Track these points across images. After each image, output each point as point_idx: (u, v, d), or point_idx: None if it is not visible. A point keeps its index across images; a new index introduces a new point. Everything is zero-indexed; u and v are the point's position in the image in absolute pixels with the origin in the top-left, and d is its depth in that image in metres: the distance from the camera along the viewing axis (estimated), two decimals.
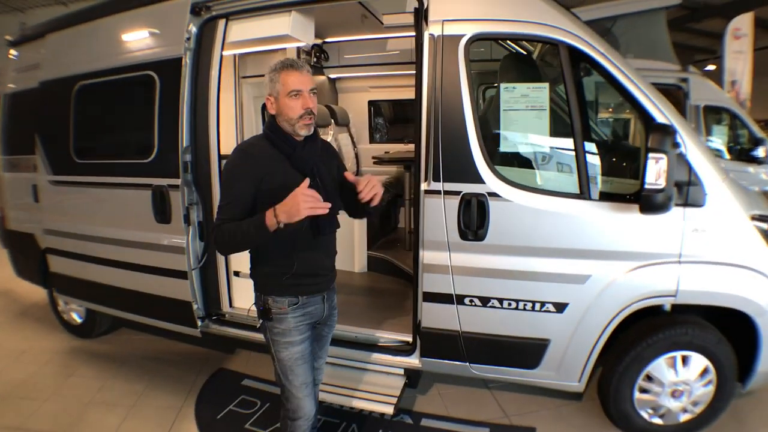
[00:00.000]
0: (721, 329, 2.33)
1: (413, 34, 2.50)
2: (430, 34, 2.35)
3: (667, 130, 1.95)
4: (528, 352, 2.43)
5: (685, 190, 2.14)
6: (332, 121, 5.22)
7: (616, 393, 2.44)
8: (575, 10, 4.98)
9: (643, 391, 2.43)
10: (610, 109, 3.06)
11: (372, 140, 5.97)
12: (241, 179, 1.78)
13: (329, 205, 1.63)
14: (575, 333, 2.33)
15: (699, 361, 2.33)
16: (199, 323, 3.14)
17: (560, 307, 2.31)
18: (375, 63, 5.16)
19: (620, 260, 2.23)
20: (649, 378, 2.40)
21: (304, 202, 1.55)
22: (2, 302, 5.33)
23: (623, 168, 2.27)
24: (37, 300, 5.09)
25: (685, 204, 2.15)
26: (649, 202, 1.99)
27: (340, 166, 2.04)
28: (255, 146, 1.86)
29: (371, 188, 1.74)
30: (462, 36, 2.30)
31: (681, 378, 2.36)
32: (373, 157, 5.36)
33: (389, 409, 2.58)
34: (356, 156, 5.82)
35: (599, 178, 2.29)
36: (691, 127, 2.36)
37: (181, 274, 3.03)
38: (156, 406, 3.09)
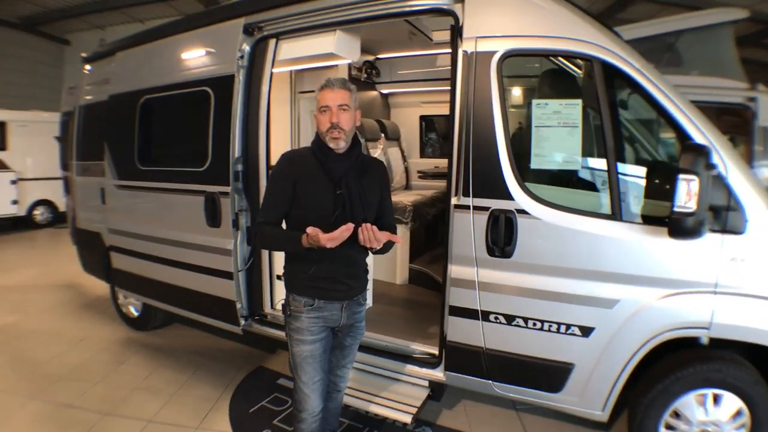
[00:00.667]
0: (760, 368, 2.18)
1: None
2: (463, 51, 2.40)
3: (701, 150, 1.87)
4: (551, 374, 2.39)
5: (724, 215, 2.04)
6: (382, 135, 5.39)
7: (640, 427, 2.31)
8: (635, 25, 4.91)
9: (669, 428, 2.28)
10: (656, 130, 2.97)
11: (423, 155, 6.06)
12: (280, 180, 2.03)
13: (348, 229, 1.79)
14: (600, 359, 2.26)
15: (732, 402, 2.16)
16: (242, 322, 3.34)
17: (586, 331, 2.26)
18: (426, 78, 5.25)
19: (651, 286, 2.14)
20: (676, 415, 2.25)
21: (328, 241, 1.77)
22: (69, 294, 5.89)
23: (658, 189, 2.14)
24: (100, 294, 5.60)
25: (723, 230, 2.04)
26: (678, 226, 1.91)
27: (384, 186, 2.17)
28: (297, 153, 2.12)
29: (367, 237, 1.83)
30: (495, 52, 2.34)
31: (711, 418, 2.20)
32: (418, 172, 5.47)
33: (407, 419, 2.63)
34: (406, 170, 5.95)
35: (632, 199, 2.23)
36: (733, 148, 2.22)
37: (228, 275, 3.25)
38: (195, 396, 3.33)
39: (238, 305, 3.29)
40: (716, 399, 2.19)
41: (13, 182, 10.05)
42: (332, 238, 1.78)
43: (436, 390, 2.84)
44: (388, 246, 1.98)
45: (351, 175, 2.00)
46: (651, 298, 2.15)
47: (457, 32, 2.46)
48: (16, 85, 14.09)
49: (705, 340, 2.23)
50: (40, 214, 10.79)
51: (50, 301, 5.61)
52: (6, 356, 4.05)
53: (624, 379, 2.26)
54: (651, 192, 2.18)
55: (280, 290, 3.46)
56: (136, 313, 4.57)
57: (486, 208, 2.37)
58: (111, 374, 3.71)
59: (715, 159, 2.02)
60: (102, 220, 4.33)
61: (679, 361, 2.25)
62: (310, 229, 1.79)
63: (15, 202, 10.11)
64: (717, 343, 2.21)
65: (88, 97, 4.71)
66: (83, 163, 4.80)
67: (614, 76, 2.22)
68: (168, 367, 3.81)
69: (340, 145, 1.98)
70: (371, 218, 2.07)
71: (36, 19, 13.83)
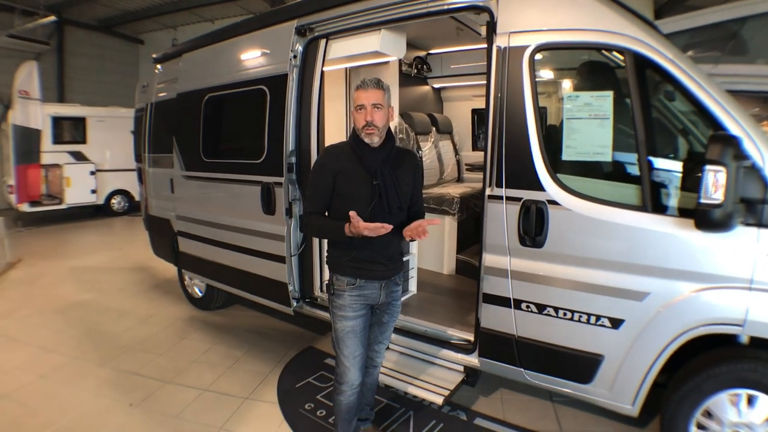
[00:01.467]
0: None
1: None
2: (497, 46, 2.50)
3: (729, 141, 1.86)
4: (581, 365, 2.42)
5: (759, 208, 1.99)
6: (433, 128, 5.54)
7: (670, 424, 2.28)
8: (698, 12, 4.73)
9: (701, 427, 2.23)
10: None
11: (475, 148, 6.12)
12: (322, 173, 2.24)
13: (385, 228, 2.02)
14: (630, 352, 2.27)
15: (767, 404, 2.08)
16: (294, 303, 3.62)
17: (616, 323, 2.28)
18: (477, 72, 5.26)
19: (682, 280, 2.12)
20: (708, 414, 2.20)
21: (366, 231, 2.02)
22: (141, 276, 6.53)
23: (689, 181, 2.13)
24: (168, 276, 6.18)
25: (759, 224, 1.99)
26: (705, 218, 1.91)
27: (417, 176, 2.38)
28: (338, 147, 2.31)
29: (416, 233, 2.10)
30: (527, 47, 2.41)
31: (744, 420, 2.13)
32: (466, 164, 5.56)
33: (439, 400, 2.78)
34: (458, 162, 6.06)
35: (663, 191, 2.22)
36: None
37: (281, 259, 3.54)
38: (248, 370, 3.68)
39: (290, 287, 3.56)
40: (750, 400, 2.13)
41: (92, 173, 11.06)
42: (369, 228, 2.00)
43: (471, 376, 2.96)
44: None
45: (386, 167, 2.20)
46: (682, 292, 2.12)
47: (491, 28, 2.55)
48: (95, 82, 15.28)
49: (744, 339, 2.16)
50: (117, 202, 11.80)
51: (123, 282, 6.26)
52: (83, 328, 4.62)
53: (654, 374, 2.25)
54: (682, 183, 2.17)
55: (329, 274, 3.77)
56: (199, 294, 5.04)
57: (518, 199, 2.46)
58: (174, 347, 4.15)
59: (751, 150, 2.00)
60: (171, 208, 4.78)
61: (713, 359, 2.21)
62: (352, 215, 2.01)
63: (94, 192, 11.12)
64: (759, 343, 2.12)
65: (159, 95, 5.18)
66: (154, 155, 5.29)
67: (646, 66, 2.22)
68: (225, 343, 4.20)
69: (374, 140, 2.18)
70: (405, 206, 2.30)
71: (112, 21, 14.94)
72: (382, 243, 2.21)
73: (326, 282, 2.36)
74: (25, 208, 10.14)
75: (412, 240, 2.31)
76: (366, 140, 2.18)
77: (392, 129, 2.35)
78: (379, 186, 2.18)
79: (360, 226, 2.01)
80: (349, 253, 2.25)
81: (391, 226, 2.04)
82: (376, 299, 2.32)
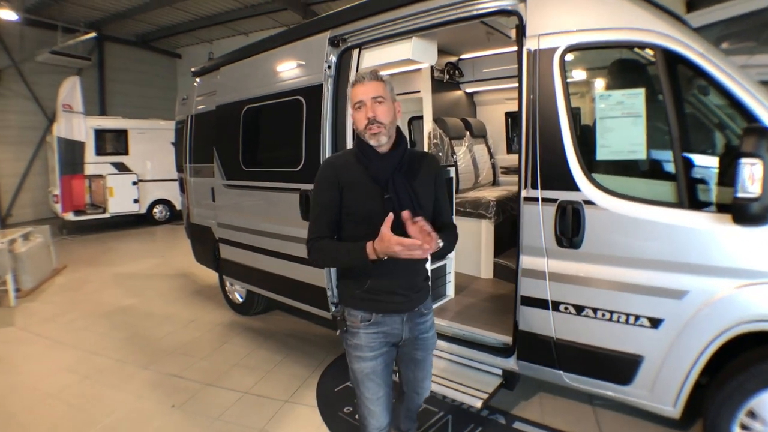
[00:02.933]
0: None
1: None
2: (527, 49, 2.57)
3: (764, 133, 1.87)
4: (620, 366, 2.43)
5: None
6: (467, 133, 5.63)
7: (713, 426, 2.28)
8: (730, 2, 4.62)
9: (744, 428, 2.21)
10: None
11: (510, 151, 6.17)
12: (325, 188, 1.91)
13: (426, 250, 1.63)
14: (670, 351, 2.27)
15: None
16: (332, 308, 3.71)
17: (655, 323, 2.29)
18: (509, 75, 5.33)
19: (722, 277, 2.12)
20: (752, 414, 2.18)
21: (398, 248, 1.62)
22: (182, 282, 6.85)
23: (725, 175, 2.14)
24: (209, 282, 6.47)
25: None
26: (742, 212, 1.93)
27: (438, 180, 2.06)
28: (340, 158, 2.00)
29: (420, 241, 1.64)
30: (556, 48, 2.47)
31: None
32: (501, 168, 5.62)
33: (477, 403, 2.85)
34: (493, 166, 6.12)
35: (700, 187, 2.23)
36: None
37: None
38: (288, 374, 3.84)
39: (329, 292, 3.67)
40: None
41: (134, 183, 11.61)
42: (403, 245, 1.61)
43: (510, 379, 3.02)
44: (446, 247, 1.89)
45: (398, 177, 1.87)
46: (722, 289, 2.12)
47: (521, 31, 2.62)
48: (135, 96, 16.07)
49: None
50: (158, 211, 12.36)
51: (166, 287, 6.59)
52: (127, 332, 4.91)
53: (695, 374, 2.24)
54: (719, 178, 2.19)
55: None
56: (240, 299, 5.28)
57: (554, 200, 2.50)
58: (215, 352, 4.36)
59: None
60: (212, 216, 5.03)
61: (756, 357, 2.20)
62: (384, 229, 1.64)
63: (136, 201, 11.67)
64: None
65: (199, 107, 5.47)
66: (195, 165, 5.57)
67: (676, 62, 2.24)
68: (265, 347, 4.40)
69: (382, 140, 1.87)
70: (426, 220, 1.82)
71: (150, 36, 15.73)
72: (403, 269, 1.89)
73: (337, 317, 2.04)
74: (70, 216, 10.75)
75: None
76: (372, 142, 1.87)
77: (401, 128, 2.05)
78: (392, 200, 1.83)
79: (392, 240, 1.61)
80: (362, 283, 1.91)
81: (429, 246, 1.65)
82: (399, 336, 1.99)
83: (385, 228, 1.65)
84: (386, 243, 1.64)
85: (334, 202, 1.89)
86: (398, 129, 1.98)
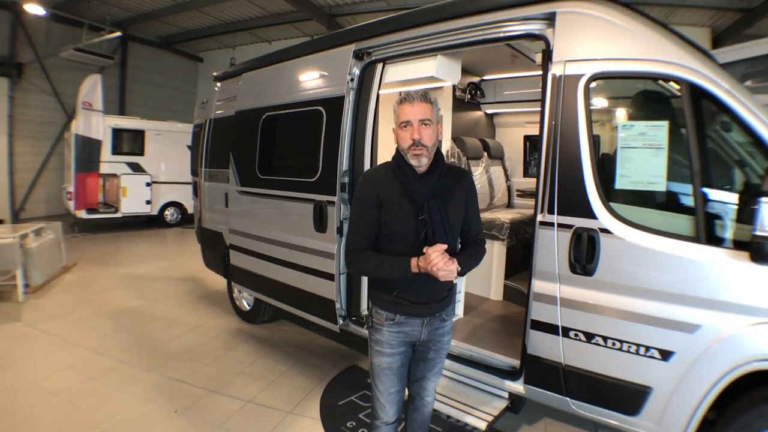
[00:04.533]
0: None
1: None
2: (552, 74, 2.63)
3: None
4: (629, 396, 2.45)
5: None
6: (485, 153, 5.70)
7: None
8: (755, 42, 4.68)
9: None
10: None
11: (526, 174, 6.24)
12: (366, 204, 2.09)
13: (454, 274, 1.94)
14: (680, 385, 2.29)
15: None
16: (340, 321, 3.78)
17: (665, 355, 2.32)
18: (530, 99, 5.43)
19: (735, 313, 2.15)
20: None
21: (442, 272, 1.90)
22: (191, 286, 6.94)
23: (744, 213, 2.17)
24: (217, 288, 6.57)
25: None
26: (760, 250, 1.98)
27: (470, 198, 2.23)
28: (378, 173, 2.16)
29: (436, 268, 1.91)
30: (582, 75, 2.52)
31: None
32: (517, 191, 5.67)
33: (482, 425, 2.87)
34: (508, 189, 6.18)
35: (718, 223, 2.26)
36: None
37: (330, 276, 3.73)
38: (291, 385, 3.89)
39: (337, 305, 3.74)
40: None
41: (148, 184, 11.79)
42: (442, 269, 1.89)
43: (516, 402, 3.03)
44: (465, 269, 2.13)
45: (434, 199, 2.04)
46: (735, 326, 2.15)
47: (547, 56, 2.68)
48: (155, 97, 16.42)
49: None
50: (170, 214, 12.54)
51: (173, 291, 6.69)
52: (132, 334, 4.99)
53: (704, 409, 2.26)
54: (737, 215, 2.23)
55: None
56: (247, 307, 5.35)
57: (570, 226, 2.54)
58: (220, 358, 4.43)
59: None
60: (224, 222, 5.12)
61: (765, 396, 2.21)
62: (431, 251, 1.90)
63: (149, 202, 11.84)
64: None
65: (218, 112, 5.58)
66: (211, 170, 5.68)
67: (701, 97, 2.29)
68: (271, 357, 4.45)
69: (423, 162, 2.02)
70: (454, 243, 2.14)
71: (173, 39, 16.13)
72: (427, 282, 2.04)
73: (366, 314, 2.34)
74: (82, 214, 10.93)
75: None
76: (413, 162, 2.02)
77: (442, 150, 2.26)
78: (425, 222, 2.02)
79: (438, 264, 1.89)
80: (390, 291, 2.15)
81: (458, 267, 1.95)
82: (418, 337, 2.23)
83: (432, 250, 1.90)
84: (429, 263, 1.91)
85: (374, 218, 2.08)
86: (438, 148, 2.13)
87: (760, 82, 4.34)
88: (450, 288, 2.26)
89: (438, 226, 2.03)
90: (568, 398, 2.68)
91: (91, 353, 4.46)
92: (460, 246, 2.27)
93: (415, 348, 2.31)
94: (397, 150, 2.12)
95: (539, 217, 2.68)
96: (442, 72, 3.40)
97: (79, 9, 12.61)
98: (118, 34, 12.61)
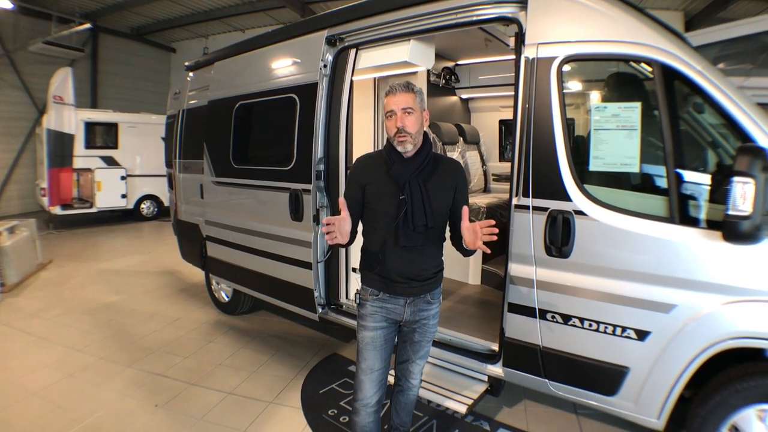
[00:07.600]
0: None
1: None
2: (525, 57, 2.57)
3: (757, 152, 1.90)
4: (606, 377, 2.45)
5: None
6: (460, 138, 5.65)
7: None
8: (728, 24, 4.72)
9: None
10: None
11: (502, 158, 6.21)
12: (348, 185, 2.27)
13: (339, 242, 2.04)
14: (656, 364, 2.29)
15: None
16: (319, 309, 3.73)
17: (642, 335, 2.31)
18: (505, 83, 5.39)
19: (709, 292, 2.14)
20: (735, 429, 2.21)
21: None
22: (169, 280, 6.78)
23: (717, 193, 2.16)
24: (195, 280, 6.43)
25: None
26: (733, 230, 1.95)
27: (459, 188, 2.24)
28: (370, 157, 2.30)
29: (475, 240, 2.02)
30: (554, 58, 2.48)
31: None
32: (493, 175, 5.64)
33: (462, 409, 2.85)
34: (484, 173, 6.15)
35: (691, 203, 2.25)
36: None
37: (307, 265, 3.66)
38: (272, 375, 3.82)
39: (316, 294, 3.68)
40: None
41: (123, 178, 11.48)
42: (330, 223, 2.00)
43: (495, 385, 3.03)
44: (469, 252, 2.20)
45: (415, 180, 2.11)
46: (709, 305, 2.14)
47: (520, 39, 2.63)
48: (127, 89, 15.96)
49: None
50: (146, 207, 12.24)
51: (151, 285, 6.51)
52: (110, 329, 4.85)
53: (680, 387, 2.26)
54: (710, 195, 2.21)
55: (355, 282, 3.87)
56: (226, 299, 5.23)
57: (545, 209, 2.51)
58: (199, 351, 4.33)
59: None
60: (200, 213, 4.99)
61: (740, 373, 2.22)
62: (339, 217, 2.02)
63: (124, 196, 11.55)
64: None
65: (191, 102, 5.42)
66: (185, 161, 5.51)
67: (674, 78, 2.26)
68: (251, 348, 4.36)
69: (407, 148, 2.10)
70: (436, 225, 2.16)
71: (145, 29, 15.63)
72: (400, 260, 2.16)
73: (357, 292, 2.40)
74: (56, 210, 10.59)
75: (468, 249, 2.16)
76: (399, 148, 2.12)
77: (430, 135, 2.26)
78: (405, 201, 2.09)
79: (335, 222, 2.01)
80: (373, 267, 2.23)
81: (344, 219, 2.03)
82: (400, 316, 2.26)
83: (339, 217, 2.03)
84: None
85: (358, 197, 2.20)
86: (425, 135, 2.22)
87: (733, 65, 4.36)
88: (436, 270, 2.28)
89: (418, 206, 2.08)
90: (546, 380, 2.67)
91: (70, 350, 4.32)
92: (450, 234, 2.31)
93: (401, 329, 2.35)
94: (388, 138, 2.20)
95: (514, 201, 2.64)
96: (415, 57, 3.31)
97: (47, 1, 12.14)
98: (87, 26, 12.19)
